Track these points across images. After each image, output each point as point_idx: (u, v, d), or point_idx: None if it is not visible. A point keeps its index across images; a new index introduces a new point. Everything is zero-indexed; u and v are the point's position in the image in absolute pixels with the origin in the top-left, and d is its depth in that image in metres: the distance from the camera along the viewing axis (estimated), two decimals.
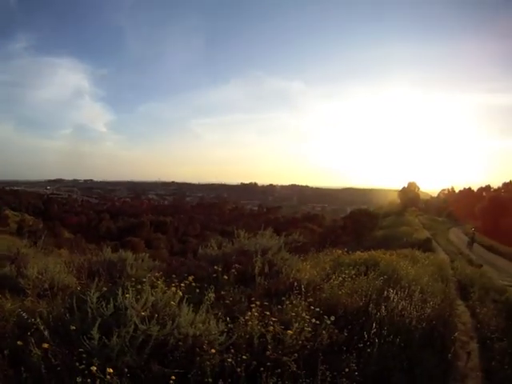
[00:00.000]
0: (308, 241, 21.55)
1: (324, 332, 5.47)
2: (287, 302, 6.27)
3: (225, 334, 4.91)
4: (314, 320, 5.58)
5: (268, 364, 4.59)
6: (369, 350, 5.45)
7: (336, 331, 5.71)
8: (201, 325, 4.83)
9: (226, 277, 7.55)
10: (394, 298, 7.23)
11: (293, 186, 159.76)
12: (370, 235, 34.34)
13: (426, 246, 24.01)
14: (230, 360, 4.55)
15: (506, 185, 63.36)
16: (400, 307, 6.97)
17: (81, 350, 4.24)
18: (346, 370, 4.82)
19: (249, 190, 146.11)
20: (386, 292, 7.52)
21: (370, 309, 6.70)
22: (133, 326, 4.46)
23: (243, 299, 6.51)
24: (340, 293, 7.32)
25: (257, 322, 5.24)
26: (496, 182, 68.95)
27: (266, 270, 8.37)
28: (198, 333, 4.76)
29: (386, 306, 6.80)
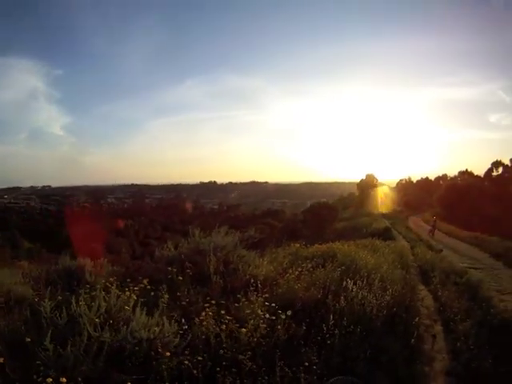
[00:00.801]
0: (267, 236, 21.52)
1: (279, 327, 5.40)
2: (243, 300, 6.22)
3: (179, 336, 4.83)
4: (268, 316, 5.56)
5: (224, 363, 4.53)
6: (329, 342, 5.41)
7: (294, 325, 5.64)
8: (156, 328, 4.73)
9: (180, 277, 7.39)
10: (352, 288, 7.27)
11: (252, 183, 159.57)
12: (330, 228, 34.79)
13: (385, 234, 24.56)
14: (186, 362, 4.46)
15: (461, 173, 65.50)
16: (360, 296, 6.97)
17: (38, 362, 4.13)
18: (306, 363, 4.76)
19: (208, 188, 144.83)
20: (344, 282, 7.55)
21: (328, 300, 6.70)
22: (87, 334, 4.38)
23: (199, 299, 6.41)
24: (296, 287, 7.30)
25: (213, 321, 5.19)
26: (452, 172, 71.06)
27: (222, 268, 8.34)
28: (152, 336, 4.66)
29: (345, 297, 6.82)
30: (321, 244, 13.92)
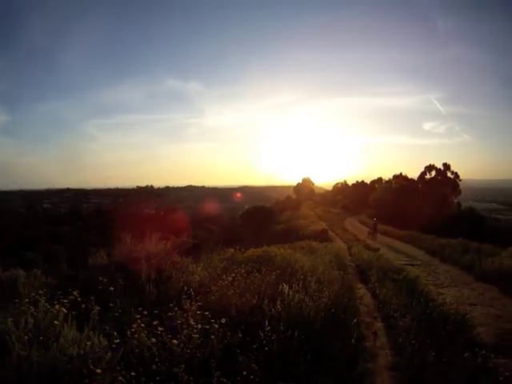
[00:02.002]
0: (204, 241, 21.23)
1: (213, 336, 5.24)
2: (176, 309, 6.00)
3: (112, 350, 4.53)
4: (200, 326, 5.36)
5: (158, 378, 4.36)
6: (267, 348, 5.36)
7: (229, 333, 5.52)
8: (88, 343, 4.46)
9: (112, 288, 6.98)
10: (289, 292, 7.30)
11: (189, 187, 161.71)
12: (267, 231, 34.84)
13: (322, 236, 24.86)
14: (120, 378, 4.18)
15: (396, 177, 68.81)
16: (296, 300, 6.98)
17: None
18: (244, 372, 4.66)
19: (145, 193, 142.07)
20: (280, 286, 7.59)
21: (263, 305, 6.64)
22: (15, 354, 4.08)
23: (132, 310, 6.09)
24: (230, 293, 7.21)
25: (146, 333, 4.95)
26: (387, 175, 74.36)
27: (154, 276, 8.26)
28: (82, 352, 4.35)
29: (281, 301, 6.83)
30: (259, 247, 13.71)
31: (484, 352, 5.94)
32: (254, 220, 45.45)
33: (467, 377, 5.27)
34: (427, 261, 17.79)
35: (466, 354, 5.82)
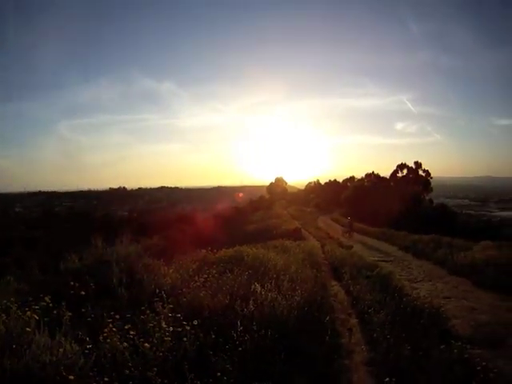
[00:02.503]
0: (177, 242, 21.06)
1: (185, 339, 5.25)
2: (148, 312, 5.96)
3: (84, 356, 4.49)
4: (172, 328, 5.38)
5: (131, 383, 4.33)
6: (240, 349, 5.34)
7: (201, 335, 5.50)
8: (61, 349, 4.40)
9: (83, 292, 6.90)
10: (261, 291, 7.33)
11: (163, 188, 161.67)
12: (241, 231, 34.74)
13: (296, 235, 24.86)
14: None
15: (368, 175, 69.62)
16: (269, 299, 7.01)
17: None
18: (218, 374, 4.69)
19: (118, 194, 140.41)
20: (253, 286, 7.63)
21: (236, 306, 6.66)
22: None
23: (104, 314, 5.98)
24: (201, 294, 7.20)
25: (118, 337, 4.91)
26: (360, 174, 74.96)
27: (125, 279, 8.19)
28: (54, 359, 4.28)
29: (254, 300, 6.85)
30: (232, 248, 13.62)
31: (459, 344, 6.06)
32: (226, 220, 45.44)
33: (443, 368, 5.31)
34: (400, 257, 18.07)
35: (441, 347, 5.91)
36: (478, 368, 5.26)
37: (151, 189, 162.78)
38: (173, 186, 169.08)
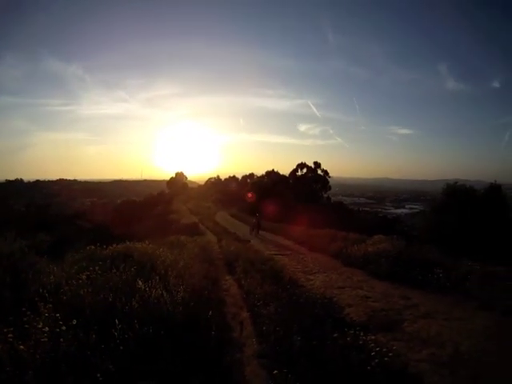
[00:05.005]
0: (70, 239, 20.46)
1: (62, 340, 5.04)
2: (28, 313, 5.76)
3: None
4: (48, 328, 5.17)
5: None
6: (122, 348, 5.22)
7: (82, 334, 5.30)
8: None
9: None
10: (145, 288, 7.33)
11: (61, 181, 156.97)
12: (139, 226, 34.02)
13: (193, 230, 24.73)
14: None
15: (268, 173, 71.21)
16: (154, 295, 7.03)
17: None
18: (98, 374, 4.57)
19: (15, 187, 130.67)
20: (138, 283, 7.60)
21: (117, 303, 6.56)
22: None
23: None
24: (82, 292, 6.97)
25: None
26: (263, 171, 76.34)
27: (9, 279, 7.86)
28: None
29: (140, 297, 6.83)
30: (128, 243, 13.19)
31: (353, 331, 6.27)
32: (125, 215, 44.59)
33: (338, 356, 5.39)
34: (296, 250, 18.49)
35: (335, 335, 6.04)
36: (373, 353, 5.43)
37: (49, 181, 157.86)
38: (71, 178, 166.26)
